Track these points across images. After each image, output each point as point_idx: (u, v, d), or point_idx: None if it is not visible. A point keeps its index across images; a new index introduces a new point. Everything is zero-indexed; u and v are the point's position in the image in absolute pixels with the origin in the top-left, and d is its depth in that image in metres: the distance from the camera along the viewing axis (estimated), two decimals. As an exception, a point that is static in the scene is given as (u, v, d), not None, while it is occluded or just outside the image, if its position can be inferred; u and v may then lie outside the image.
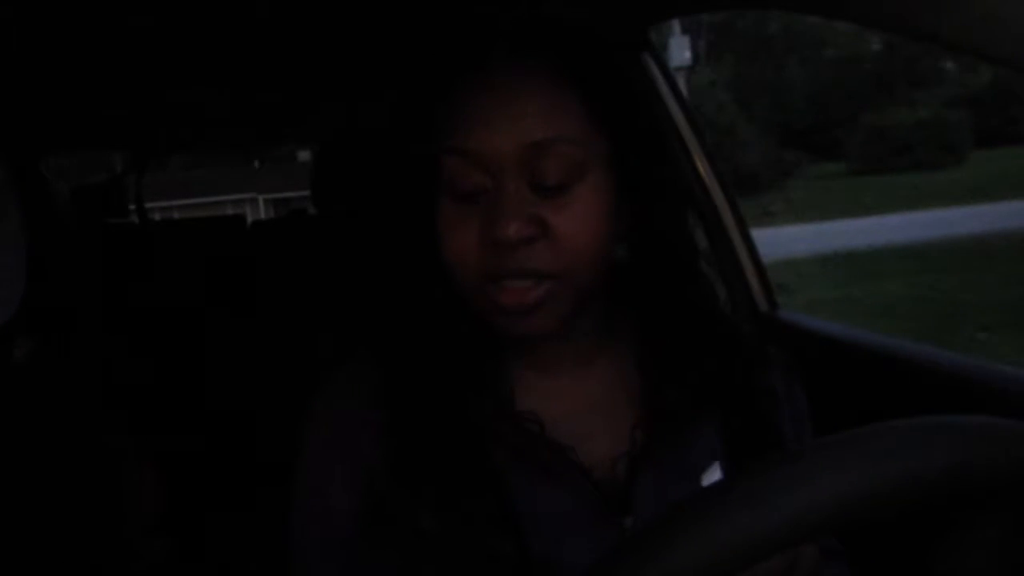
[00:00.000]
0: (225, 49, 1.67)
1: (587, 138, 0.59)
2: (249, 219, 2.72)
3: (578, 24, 0.63)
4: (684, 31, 14.35)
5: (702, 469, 0.64)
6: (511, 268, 0.58)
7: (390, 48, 1.64)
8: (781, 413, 0.69)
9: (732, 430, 0.66)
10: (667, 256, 0.65)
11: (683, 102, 1.43)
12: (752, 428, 0.66)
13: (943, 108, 17.85)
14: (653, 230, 0.63)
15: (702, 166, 1.42)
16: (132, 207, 2.83)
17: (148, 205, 3.11)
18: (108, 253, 2.33)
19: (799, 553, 0.54)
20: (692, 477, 0.63)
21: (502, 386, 0.64)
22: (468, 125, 0.58)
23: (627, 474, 0.63)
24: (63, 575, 0.89)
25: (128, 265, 2.30)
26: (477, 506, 0.60)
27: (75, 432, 0.95)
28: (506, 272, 0.58)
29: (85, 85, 1.84)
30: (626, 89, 0.62)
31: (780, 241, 8.01)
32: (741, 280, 1.43)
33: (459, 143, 0.59)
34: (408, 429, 0.63)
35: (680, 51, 13.67)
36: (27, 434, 0.89)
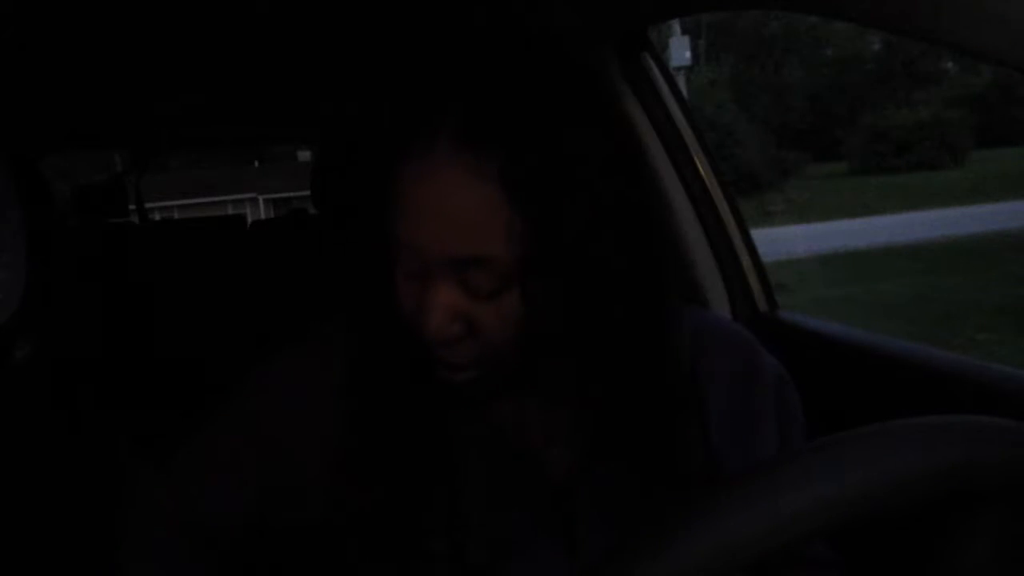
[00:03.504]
0: (225, 48, 1.67)
1: (519, 252, 0.55)
2: (249, 219, 2.72)
3: (535, 113, 0.55)
4: (684, 31, 14.37)
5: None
6: (438, 354, 0.59)
7: (391, 47, 1.64)
8: (767, 427, 0.68)
9: (665, 462, 0.64)
10: (603, 337, 0.60)
11: (683, 102, 1.43)
12: (694, 461, 0.65)
13: (943, 108, 17.86)
14: (590, 322, 0.59)
15: (702, 166, 1.42)
16: (132, 207, 2.83)
17: (148, 205, 3.11)
18: (108, 253, 2.33)
19: None
20: (637, 493, 0.63)
21: (467, 389, 0.64)
22: (406, 216, 0.56)
23: (574, 480, 0.64)
24: (62, 574, 0.89)
25: (128, 265, 2.30)
26: (422, 504, 0.61)
27: (75, 432, 0.95)
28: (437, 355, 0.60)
29: (85, 85, 1.84)
30: (573, 188, 0.56)
31: (780, 241, 8.02)
32: (741, 280, 1.43)
33: (399, 231, 0.57)
34: (369, 419, 0.63)
35: (680, 51, 13.68)
36: (27, 434, 0.89)
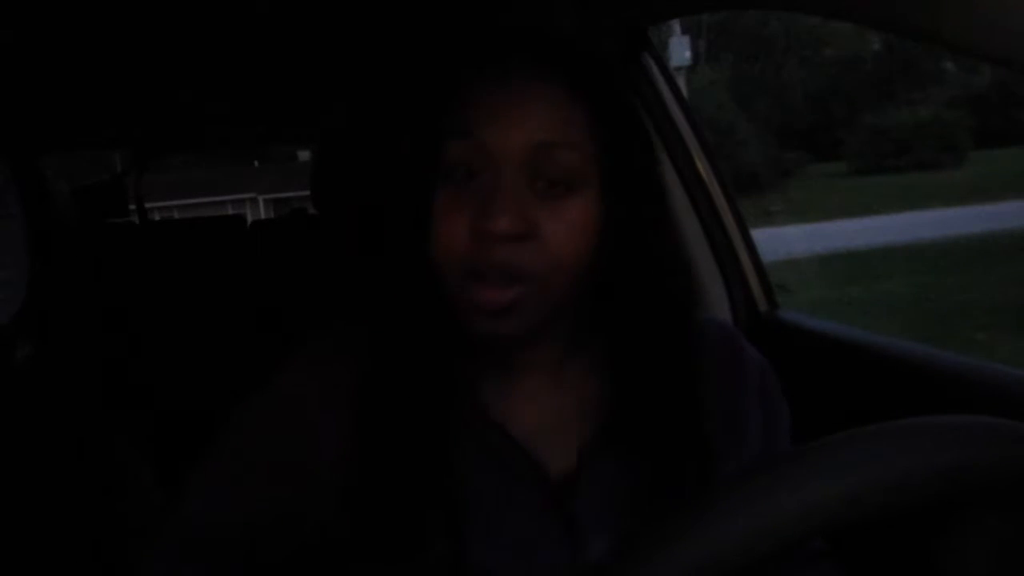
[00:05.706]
0: (225, 49, 1.67)
1: (588, 151, 0.61)
2: (249, 219, 2.72)
3: (591, 48, 0.65)
4: (684, 31, 14.36)
5: (647, 487, 0.64)
6: (494, 261, 0.58)
7: (392, 46, 1.64)
8: (752, 419, 0.69)
9: (673, 456, 0.65)
10: (643, 281, 0.64)
11: (683, 102, 1.43)
12: (698, 457, 0.65)
13: (943, 108, 17.85)
14: (634, 254, 0.63)
15: (702, 166, 1.42)
16: (132, 207, 2.83)
17: (148, 205, 3.11)
18: (108, 253, 2.33)
19: None
20: (639, 492, 0.64)
21: (470, 384, 0.65)
22: (481, 116, 0.60)
23: (575, 479, 0.64)
24: (62, 574, 0.89)
25: (128, 265, 2.30)
26: (426, 505, 0.61)
27: (76, 433, 0.95)
28: (488, 266, 0.58)
29: (85, 85, 1.84)
30: (629, 115, 0.65)
31: (780, 241, 8.01)
32: (741, 280, 1.43)
33: (469, 129, 0.60)
34: (373, 419, 0.63)
35: (680, 51, 13.67)
36: (28, 435, 0.89)
